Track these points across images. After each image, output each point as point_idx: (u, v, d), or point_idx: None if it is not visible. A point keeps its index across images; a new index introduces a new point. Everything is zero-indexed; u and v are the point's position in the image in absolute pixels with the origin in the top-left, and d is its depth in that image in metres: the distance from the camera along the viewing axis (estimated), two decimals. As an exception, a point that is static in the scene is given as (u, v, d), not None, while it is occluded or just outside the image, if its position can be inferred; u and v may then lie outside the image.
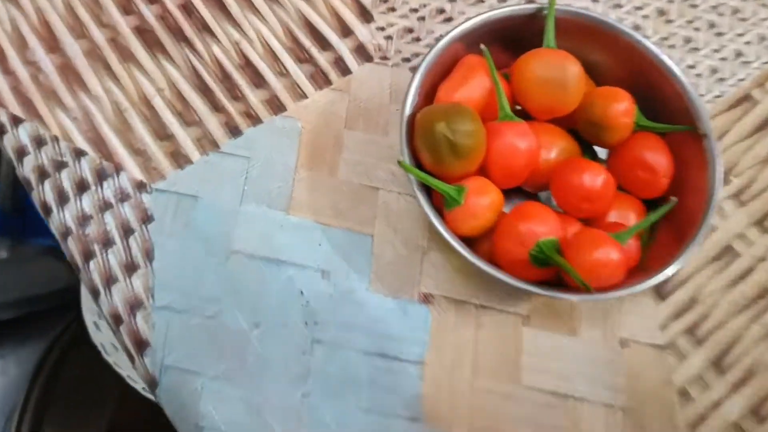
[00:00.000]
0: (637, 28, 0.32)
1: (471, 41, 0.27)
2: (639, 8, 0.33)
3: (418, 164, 0.24)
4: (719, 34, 0.33)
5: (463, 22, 0.26)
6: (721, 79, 0.32)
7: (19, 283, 0.53)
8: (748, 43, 0.32)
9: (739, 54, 0.32)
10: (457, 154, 0.23)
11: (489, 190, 0.24)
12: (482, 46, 0.25)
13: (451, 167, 0.23)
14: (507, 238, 0.23)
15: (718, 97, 0.31)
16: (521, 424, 0.25)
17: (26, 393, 0.46)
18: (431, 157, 0.23)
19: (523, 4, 0.27)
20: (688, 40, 0.32)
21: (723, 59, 0.32)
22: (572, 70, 0.25)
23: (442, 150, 0.23)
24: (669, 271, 0.23)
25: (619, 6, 0.33)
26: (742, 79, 0.32)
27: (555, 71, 0.25)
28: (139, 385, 0.37)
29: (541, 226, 0.23)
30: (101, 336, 0.38)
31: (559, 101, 0.25)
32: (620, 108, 0.25)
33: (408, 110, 0.24)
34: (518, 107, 0.26)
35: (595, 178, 0.24)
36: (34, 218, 0.67)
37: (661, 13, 0.33)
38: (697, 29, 0.33)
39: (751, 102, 0.31)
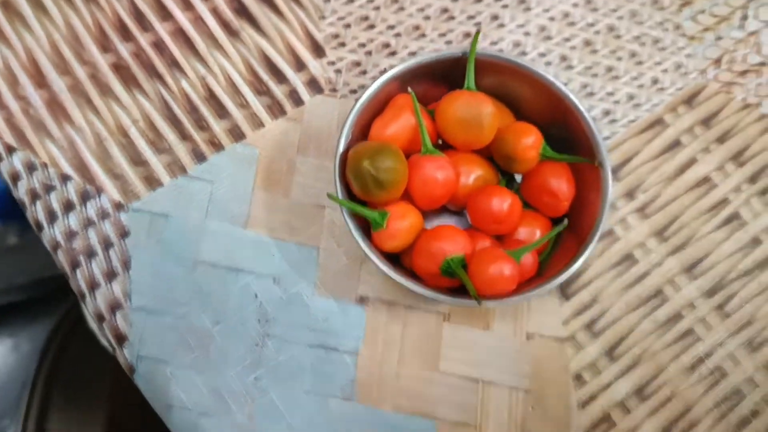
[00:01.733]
0: (564, 58, 0.38)
1: (404, 80, 0.33)
2: (567, 40, 0.38)
3: (351, 192, 0.31)
4: (639, 63, 0.38)
5: (396, 65, 0.32)
6: (637, 105, 0.38)
7: (28, 267, 0.60)
8: (665, 71, 0.38)
9: (655, 81, 0.38)
10: (380, 187, 0.29)
11: (408, 215, 0.30)
12: (409, 89, 0.31)
13: (376, 196, 0.30)
14: (421, 255, 0.30)
15: (633, 121, 0.37)
16: (438, 401, 0.32)
17: (35, 372, 0.54)
18: (359, 188, 0.30)
19: (451, 49, 0.33)
20: (610, 69, 0.38)
21: (640, 86, 0.38)
22: (486, 110, 0.31)
23: (368, 183, 0.29)
24: (557, 281, 0.30)
25: (548, 38, 0.38)
26: (656, 105, 0.38)
27: (472, 111, 0.31)
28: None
29: (450, 245, 0.29)
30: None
31: (476, 137, 0.31)
32: (528, 142, 0.31)
33: (342, 147, 0.31)
34: (441, 142, 0.33)
35: (502, 203, 0.31)
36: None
37: (588, 43, 0.39)
38: (619, 59, 0.38)
39: (663, 125, 0.37)
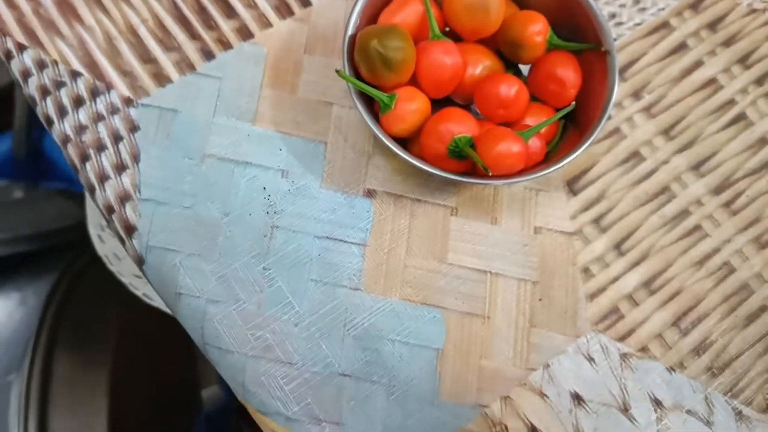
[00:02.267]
0: (568, -36, 0.38)
1: (410, -27, 0.33)
2: (571, -54, 0.38)
3: (359, 77, 0.31)
4: (644, -30, 0.38)
5: (401, -43, 0.32)
6: (643, 9, 0.38)
7: (33, 219, 0.61)
8: (670, -23, 0.38)
9: (661, -13, 0.38)
10: (388, 67, 0.29)
11: (416, 98, 0.30)
12: (416, -23, 0.31)
13: (384, 78, 0.30)
14: (429, 136, 0.30)
15: (638, 24, 0.37)
16: (445, 292, 0.31)
17: (40, 320, 0.54)
18: (367, 70, 0.30)
19: (453, -60, 0.33)
20: (615, -25, 0.38)
21: (646, -8, 0.38)
22: (492, -4, 0.31)
23: (376, 63, 0.29)
24: (564, 162, 0.30)
25: (553, -56, 0.38)
26: (661, 9, 0.38)
27: (477, -2, 0.31)
28: (140, 291, 0.44)
29: (457, 126, 0.29)
30: (105, 248, 0.45)
31: (482, 23, 0.31)
32: (534, 29, 0.31)
33: (351, 31, 0.31)
34: (448, 29, 0.32)
35: (509, 88, 0.31)
36: (45, 164, 0.76)
37: (592, -50, 0.38)
38: (624, -35, 0.38)
39: (668, 29, 0.37)
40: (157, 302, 0.46)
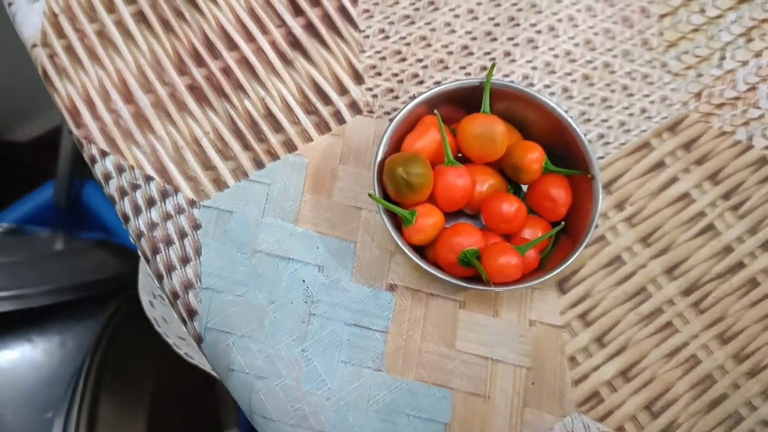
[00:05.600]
0: (565, 89, 0.46)
1: (431, 104, 0.40)
2: (569, 74, 0.46)
3: (386, 194, 0.38)
4: (630, 95, 0.46)
5: (425, 91, 0.39)
6: (628, 131, 0.45)
7: (73, 271, 0.68)
8: (652, 102, 0.46)
9: (644, 110, 0.45)
10: (411, 189, 0.37)
11: (433, 214, 0.37)
12: (435, 111, 0.39)
13: (407, 198, 0.37)
14: (443, 246, 0.37)
15: (623, 144, 0.44)
16: (453, 374, 0.38)
17: (88, 365, 0.61)
18: (393, 190, 0.37)
19: (470, 78, 0.40)
20: (605, 99, 0.46)
21: (630, 114, 0.45)
22: (498, 129, 0.38)
23: (401, 186, 0.36)
24: (555, 272, 0.37)
25: (553, 72, 0.46)
26: (644, 131, 0.45)
27: (486, 130, 0.38)
28: (182, 351, 0.51)
29: (467, 239, 0.36)
30: (154, 312, 0.52)
31: (490, 151, 0.39)
32: (532, 157, 0.39)
33: (380, 157, 0.38)
34: (460, 155, 0.40)
35: (510, 206, 0.38)
36: (84, 214, 0.83)
37: (586, 77, 0.46)
38: (613, 91, 0.46)
39: (649, 148, 0.44)
40: (197, 361, 0.52)
